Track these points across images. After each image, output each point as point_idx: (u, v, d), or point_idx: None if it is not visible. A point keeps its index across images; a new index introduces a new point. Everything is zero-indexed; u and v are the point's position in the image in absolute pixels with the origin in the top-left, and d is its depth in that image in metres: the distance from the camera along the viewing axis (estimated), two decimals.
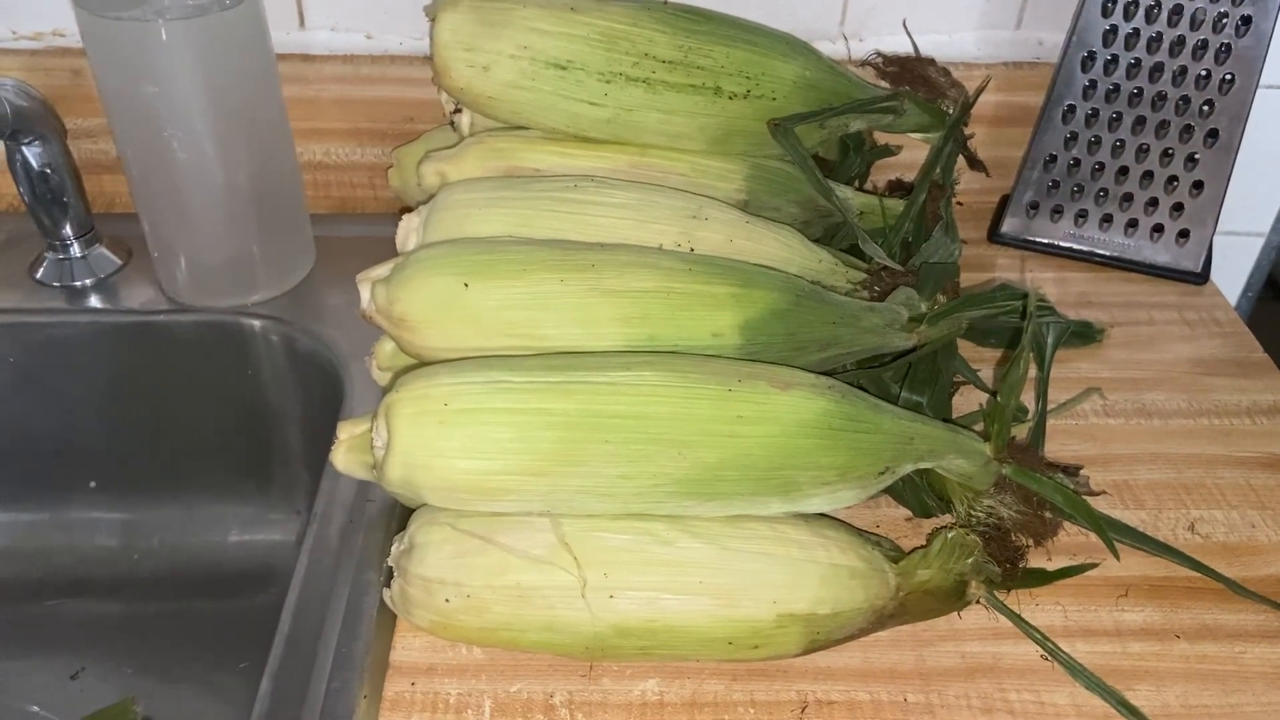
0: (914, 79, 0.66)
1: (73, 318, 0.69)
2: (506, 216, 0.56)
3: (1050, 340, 0.58)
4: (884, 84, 0.68)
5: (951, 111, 0.66)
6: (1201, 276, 0.73)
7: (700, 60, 0.60)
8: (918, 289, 0.56)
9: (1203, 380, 0.66)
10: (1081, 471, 0.56)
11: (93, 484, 0.74)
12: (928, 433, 0.50)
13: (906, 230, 0.63)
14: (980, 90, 0.66)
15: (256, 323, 0.68)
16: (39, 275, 0.71)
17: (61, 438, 0.73)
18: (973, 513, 0.51)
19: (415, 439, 0.45)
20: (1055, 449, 0.60)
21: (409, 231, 0.58)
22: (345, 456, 0.51)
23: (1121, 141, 0.71)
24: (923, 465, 0.50)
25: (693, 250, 0.55)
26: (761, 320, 0.51)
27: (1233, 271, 0.92)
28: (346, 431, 0.51)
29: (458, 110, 0.66)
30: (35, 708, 0.68)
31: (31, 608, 0.72)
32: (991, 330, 0.67)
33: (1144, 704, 0.47)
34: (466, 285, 0.50)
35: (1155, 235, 0.73)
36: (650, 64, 0.60)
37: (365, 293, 0.53)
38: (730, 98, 0.61)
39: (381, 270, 0.53)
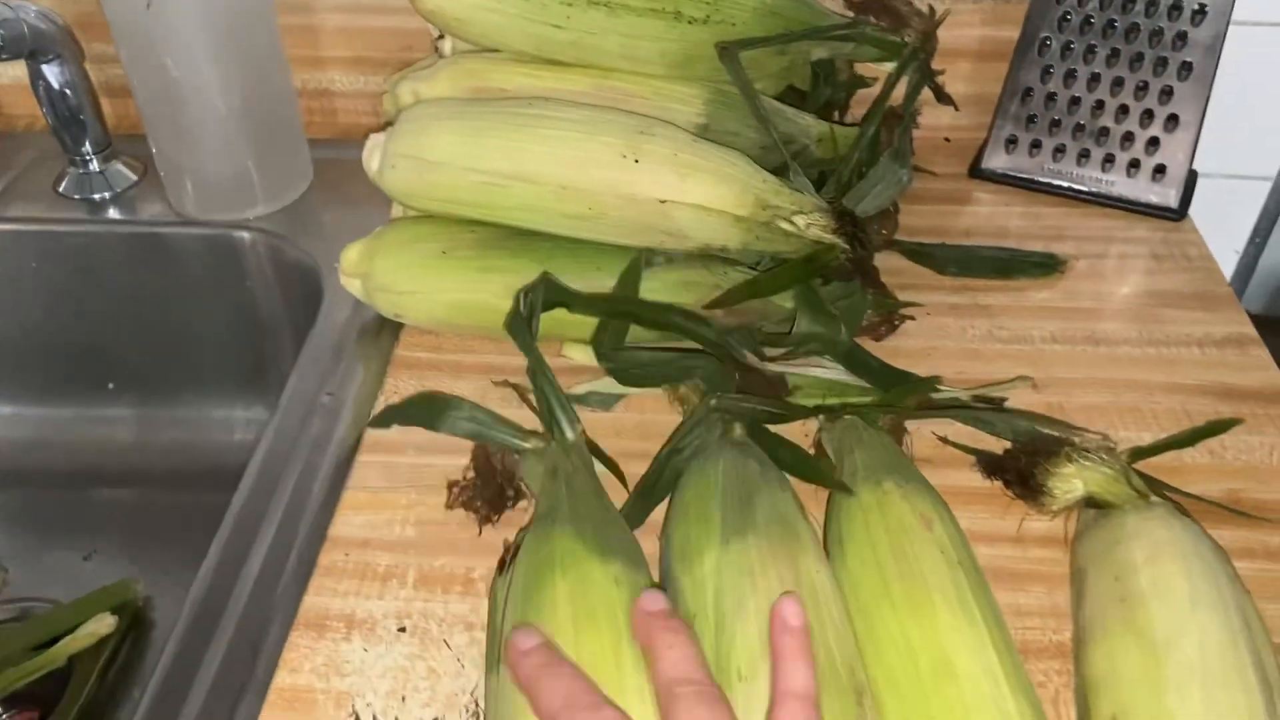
0: (879, 9, 0.67)
1: (89, 227, 0.75)
2: (464, 128, 0.59)
3: None
4: (849, 14, 0.69)
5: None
6: (1178, 213, 0.73)
7: None
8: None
9: (1160, 312, 0.66)
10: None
11: (111, 385, 0.81)
12: None
13: (859, 158, 0.64)
14: (938, 22, 0.66)
15: (246, 235, 0.72)
16: (61, 189, 0.77)
17: (82, 341, 0.79)
18: None
19: None
20: (995, 372, 0.61)
21: (374, 147, 0.61)
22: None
23: (1097, 75, 0.71)
24: None
25: (637, 162, 0.58)
26: None
27: (1240, 216, 0.91)
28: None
29: (441, 36, 0.69)
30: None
31: (54, 495, 0.79)
32: (952, 259, 0.69)
33: (1036, 603, 0.49)
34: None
35: (1132, 170, 0.73)
36: None
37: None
38: (690, 22, 0.63)
39: None
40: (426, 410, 0.56)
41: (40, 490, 0.79)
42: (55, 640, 0.69)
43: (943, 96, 0.70)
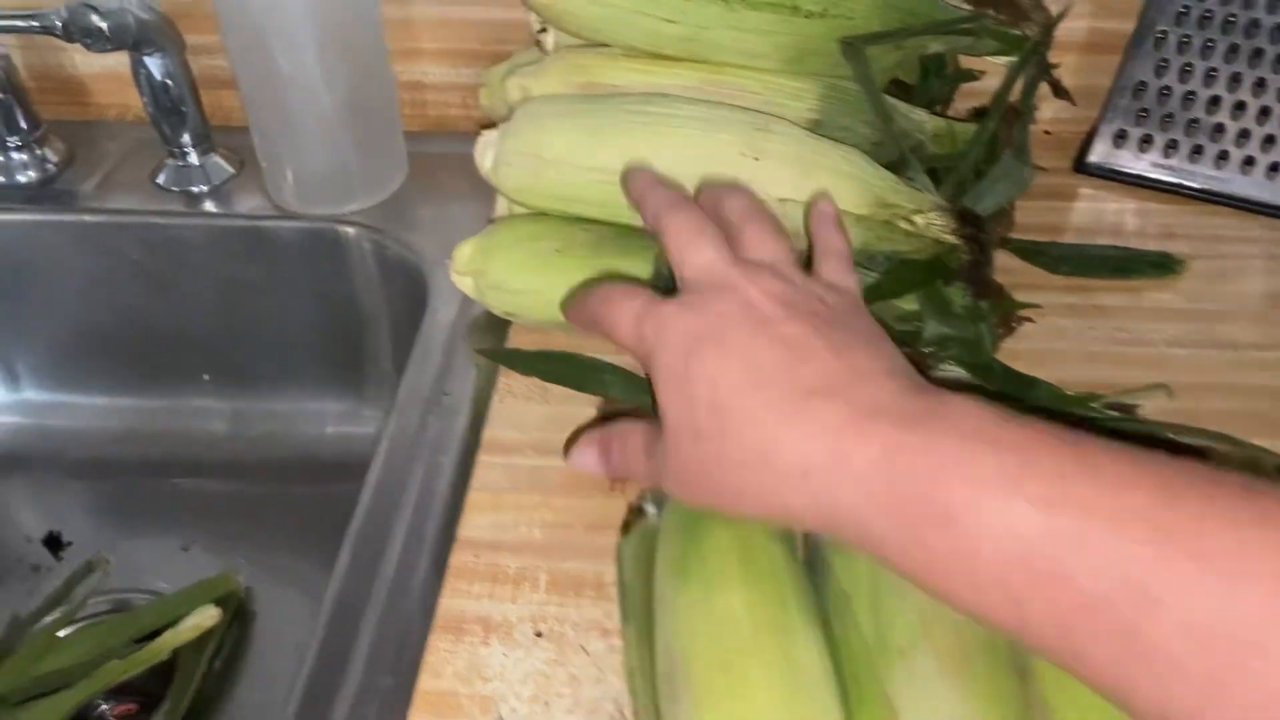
0: (999, 1, 0.66)
1: (189, 220, 0.75)
2: (580, 126, 0.59)
3: None
4: (967, 6, 0.67)
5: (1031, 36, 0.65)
6: None
7: None
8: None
9: None
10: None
11: (206, 377, 0.81)
12: None
13: (977, 156, 0.63)
14: (1061, 16, 0.65)
15: (351, 230, 0.72)
16: (159, 180, 0.77)
17: (179, 332, 0.79)
18: None
19: None
20: (1118, 377, 0.60)
21: (486, 145, 0.61)
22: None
23: (1214, 70, 0.69)
24: None
25: (757, 160, 0.57)
26: None
27: None
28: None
29: (543, 29, 0.68)
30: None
31: (150, 486, 0.79)
32: (1065, 257, 0.68)
33: None
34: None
35: (1246, 168, 0.71)
36: None
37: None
38: (807, 16, 0.62)
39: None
40: (573, 371, 0.58)
41: (136, 481, 0.80)
42: (157, 633, 0.69)
43: (1060, 91, 0.68)
